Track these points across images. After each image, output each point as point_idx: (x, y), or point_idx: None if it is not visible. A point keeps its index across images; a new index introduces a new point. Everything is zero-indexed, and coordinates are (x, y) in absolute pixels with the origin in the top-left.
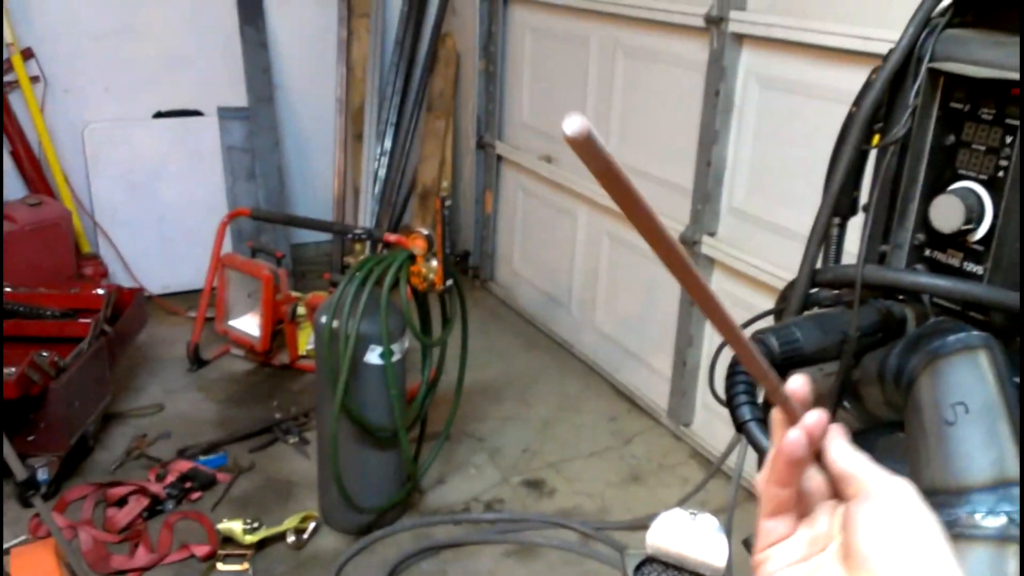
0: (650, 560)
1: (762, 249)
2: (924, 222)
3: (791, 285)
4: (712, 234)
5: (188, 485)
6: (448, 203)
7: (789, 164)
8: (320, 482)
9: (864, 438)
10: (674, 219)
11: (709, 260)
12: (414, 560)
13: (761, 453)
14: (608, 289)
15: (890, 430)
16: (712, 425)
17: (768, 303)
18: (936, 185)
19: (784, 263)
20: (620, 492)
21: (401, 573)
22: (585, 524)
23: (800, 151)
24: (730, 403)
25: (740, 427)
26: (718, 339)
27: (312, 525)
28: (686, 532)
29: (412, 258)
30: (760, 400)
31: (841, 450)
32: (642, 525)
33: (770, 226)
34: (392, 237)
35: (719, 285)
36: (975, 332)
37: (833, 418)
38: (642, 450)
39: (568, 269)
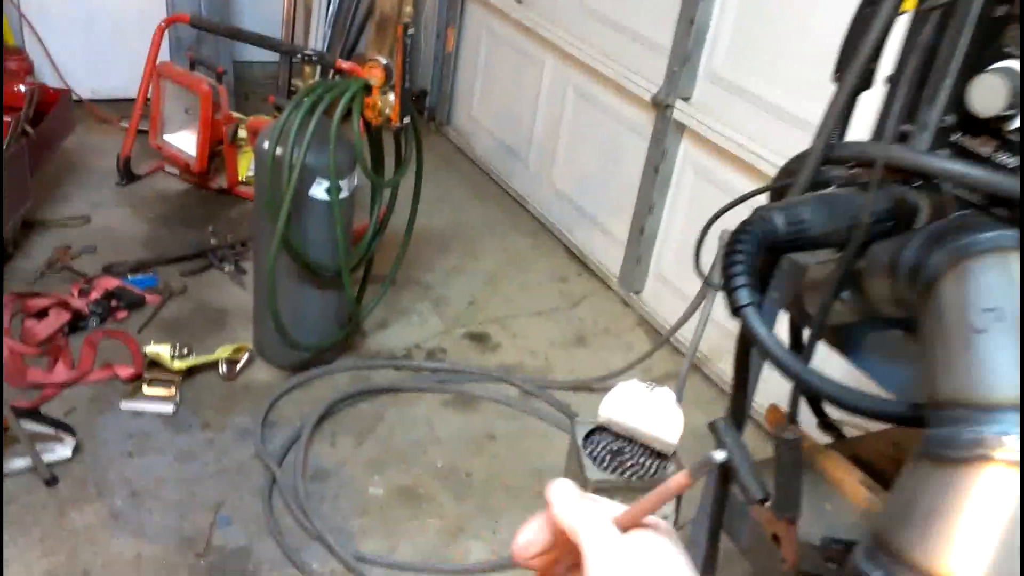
0: (600, 429)
1: (739, 121)
2: (956, 102)
3: (797, 159)
4: (686, 99)
5: (114, 304)
6: (411, 32)
7: (779, 33)
8: (256, 314)
9: (856, 331)
10: (647, 79)
11: (680, 126)
12: (351, 401)
13: (756, 341)
14: (569, 145)
15: (884, 326)
16: (662, 295)
17: (738, 179)
18: (976, 62)
19: (761, 138)
20: (564, 353)
21: (337, 412)
22: (527, 381)
23: (794, 21)
24: (727, 283)
25: (737, 311)
26: (680, 209)
27: (245, 356)
28: (641, 405)
29: (367, 89)
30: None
31: (561, 507)
32: (585, 387)
33: (750, 97)
34: (345, 64)
35: (687, 154)
36: (1008, 231)
37: (829, 308)
38: (589, 313)
39: (529, 120)
